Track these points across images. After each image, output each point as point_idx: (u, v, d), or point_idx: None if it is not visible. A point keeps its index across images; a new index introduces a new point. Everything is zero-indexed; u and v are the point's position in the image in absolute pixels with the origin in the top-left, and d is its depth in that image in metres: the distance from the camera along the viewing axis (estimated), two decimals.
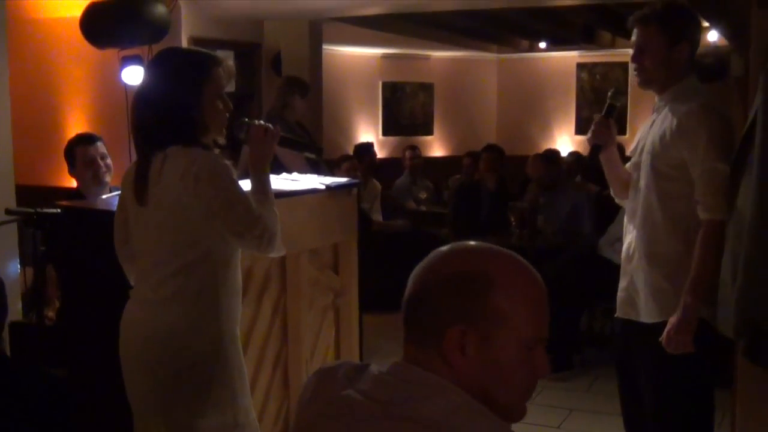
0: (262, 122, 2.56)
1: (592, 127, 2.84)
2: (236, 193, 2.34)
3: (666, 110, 2.69)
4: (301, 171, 3.78)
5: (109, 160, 3.73)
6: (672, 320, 2.60)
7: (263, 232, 2.34)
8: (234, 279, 2.46)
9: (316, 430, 1.30)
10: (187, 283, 2.36)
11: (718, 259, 2.51)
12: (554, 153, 6.83)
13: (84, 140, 3.73)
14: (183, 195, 2.31)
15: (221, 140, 2.47)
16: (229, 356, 2.41)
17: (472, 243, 1.32)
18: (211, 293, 2.38)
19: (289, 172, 3.65)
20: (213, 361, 2.38)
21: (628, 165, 2.90)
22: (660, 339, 2.62)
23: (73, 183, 3.87)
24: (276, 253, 2.47)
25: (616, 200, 3.02)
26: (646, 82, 2.72)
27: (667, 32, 2.64)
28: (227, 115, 2.46)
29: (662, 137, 2.65)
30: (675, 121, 2.62)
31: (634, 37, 2.71)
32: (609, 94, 2.89)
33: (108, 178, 3.70)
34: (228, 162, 2.39)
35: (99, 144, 3.73)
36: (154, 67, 2.50)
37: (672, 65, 2.67)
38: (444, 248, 1.32)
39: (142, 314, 2.41)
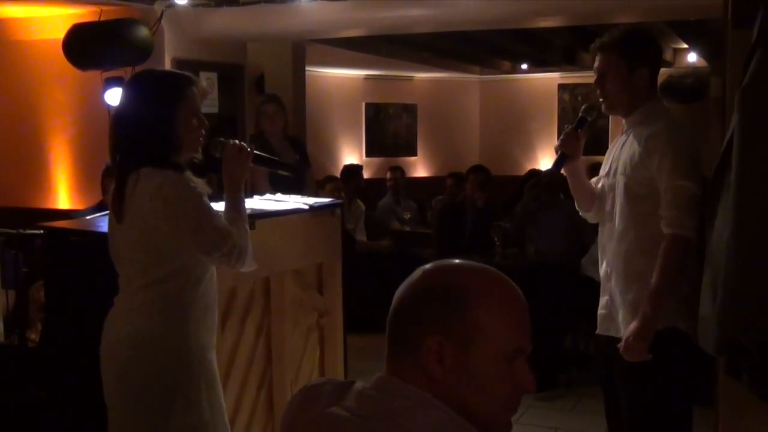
0: (236, 141, 2.64)
1: (562, 136, 2.91)
2: (204, 214, 2.42)
3: (633, 132, 2.78)
4: (264, 190, 3.87)
5: None
6: (630, 328, 2.68)
7: (232, 249, 2.44)
8: (205, 294, 2.54)
9: None
10: (155, 295, 2.46)
11: (677, 272, 2.62)
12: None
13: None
14: (152, 216, 2.40)
15: (198, 157, 2.55)
16: (194, 368, 2.49)
17: (455, 260, 1.34)
18: (179, 307, 2.47)
19: (255, 191, 3.70)
20: (177, 371, 2.46)
21: (599, 184, 2.96)
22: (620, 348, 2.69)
23: (60, 204, 3.86)
24: (247, 268, 2.54)
25: (581, 213, 3.08)
26: (610, 108, 2.84)
27: (627, 58, 2.74)
28: (203, 131, 2.54)
29: (632, 158, 2.74)
30: (642, 142, 2.71)
31: (596, 64, 2.80)
32: (582, 107, 2.95)
33: None
34: (199, 182, 2.48)
35: None
36: (130, 89, 2.58)
37: (633, 90, 2.76)
38: (427, 265, 1.34)
39: (116, 321, 2.52)
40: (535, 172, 8.23)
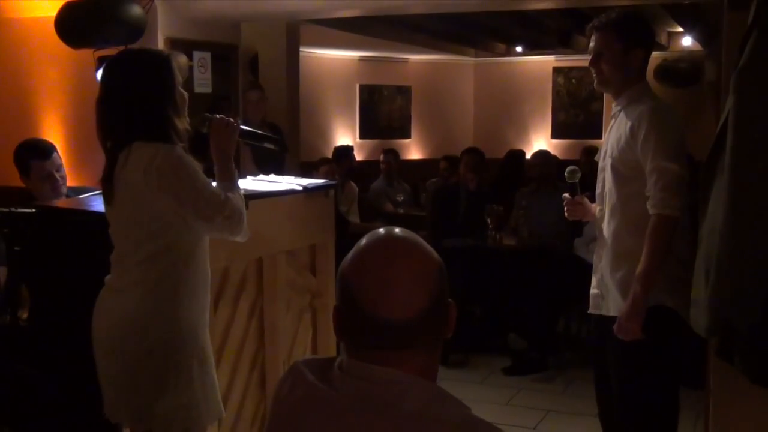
0: (222, 116, 2.68)
1: (566, 208, 3.10)
2: (201, 180, 2.46)
3: (621, 114, 2.86)
4: (250, 170, 3.95)
5: (63, 171, 3.65)
6: (622, 309, 2.76)
7: (232, 212, 2.47)
8: (197, 271, 2.55)
9: (294, 425, 1.30)
10: (148, 272, 2.47)
11: (665, 252, 2.68)
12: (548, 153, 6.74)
13: (39, 154, 3.61)
14: (146, 189, 2.41)
15: (186, 125, 2.57)
16: (186, 346, 2.50)
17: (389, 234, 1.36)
18: (170, 283, 2.48)
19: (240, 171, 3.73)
20: (170, 348, 2.47)
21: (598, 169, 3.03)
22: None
23: None
24: (243, 237, 2.57)
25: None
26: (603, 83, 2.90)
27: (623, 38, 2.82)
28: (186, 101, 2.58)
29: (618, 140, 2.82)
30: (629, 124, 2.78)
31: (591, 43, 2.89)
32: (566, 175, 3.09)
33: (64, 189, 3.64)
34: (190, 157, 2.50)
35: (54, 156, 3.64)
36: (121, 67, 2.58)
37: (627, 69, 2.83)
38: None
39: (108, 301, 2.54)
40: (515, 153, 8.22)
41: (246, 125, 5.00)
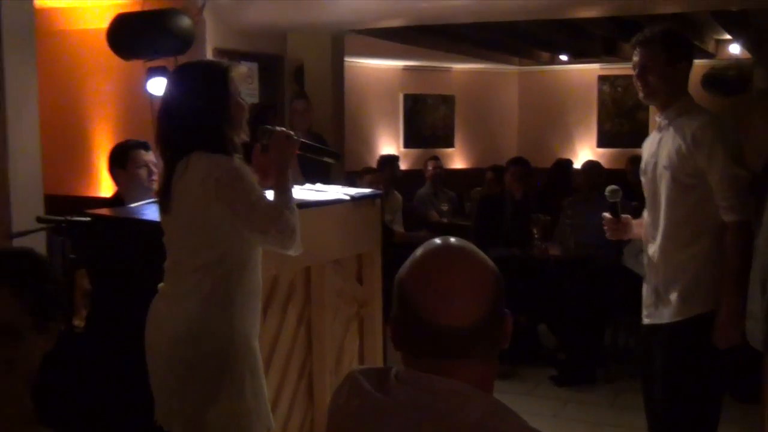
0: (283, 129, 2.69)
1: (606, 227, 3.13)
2: (257, 193, 2.48)
3: (673, 126, 2.89)
4: (297, 180, 3.97)
5: (156, 172, 3.76)
6: (719, 318, 2.76)
7: (285, 226, 2.47)
8: (250, 281, 2.56)
9: None
10: (202, 281, 2.48)
11: (749, 255, 2.70)
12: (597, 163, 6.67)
13: (141, 145, 3.79)
14: (203, 198, 2.44)
15: (245, 137, 2.60)
16: (239, 354, 2.51)
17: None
18: (224, 293, 2.49)
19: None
20: (222, 357, 2.48)
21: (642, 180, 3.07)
22: (675, 336, 2.82)
23: (102, 192, 3.89)
24: (295, 251, 2.57)
25: None
26: (649, 96, 2.94)
27: (669, 51, 2.88)
28: (246, 113, 2.61)
29: (678, 150, 2.84)
30: (689, 135, 2.82)
31: (636, 58, 2.93)
32: (606, 194, 3.10)
33: (155, 186, 3.73)
34: (246, 167, 2.52)
35: (151, 153, 3.78)
36: (176, 80, 2.64)
37: (673, 82, 2.89)
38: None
39: (161, 309, 2.56)
40: (562, 162, 8.15)
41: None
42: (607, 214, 3.11)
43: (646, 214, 3.05)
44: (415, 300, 1.30)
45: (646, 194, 3.02)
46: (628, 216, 3.14)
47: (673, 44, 2.89)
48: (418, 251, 1.36)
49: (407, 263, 1.36)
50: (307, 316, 3.30)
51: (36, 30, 4.47)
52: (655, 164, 2.94)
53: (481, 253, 1.36)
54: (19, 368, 1.62)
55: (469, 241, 1.40)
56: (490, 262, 1.35)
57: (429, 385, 1.27)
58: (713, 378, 2.86)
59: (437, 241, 1.38)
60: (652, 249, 2.97)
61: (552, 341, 5.80)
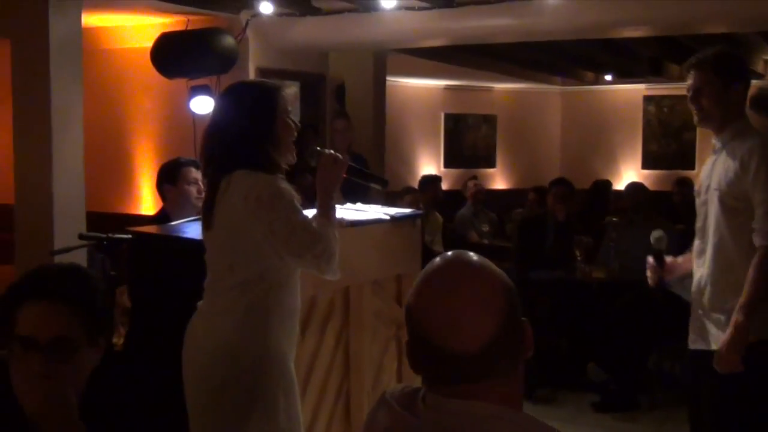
0: (332, 151, 2.67)
1: (648, 275, 3.15)
2: (297, 214, 2.46)
3: (726, 150, 2.86)
4: (337, 199, 3.93)
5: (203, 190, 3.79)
6: (723, 340, 2.73)
7: (323, 252, 2.46)
8: (288, 302, 2.55)
9: None
10: (239, 298, 2.47)
11: None
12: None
13: (192, 162, 3.81)
14: (244, 216, 2.44)
15: (292, 159, 2.59)
16: (273, 375, 2.49)
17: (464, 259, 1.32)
18: (261, 312, 2.48)
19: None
20: (257, 376, 2.46)
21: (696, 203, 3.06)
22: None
23: (143, 209, 3.91)
24: (332, 275, 2.54)
25: None
26: (704, 120, 2.91)
27: (722, 74, 2.84)
28: (295, 133, 2.60)
29: (726, 173, 2.82)
30: (738, 158, 2.79)
31: (690, 81, 2.90)
32: (652, 241, 3.13)
33: (200, 204, 3.75)
34: (289, 187, 2.51)
35: (200, 171, 3.81)
36: (227, 101, 2.64)
37: (728, 105, 2.84)
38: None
39: (199, 327, 2.56)
40: (601, 183, 8.04)
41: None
42: (650, 260, 3.10)
43: (696, 241, 3.00)
44: (424, 327, 1.27)
45: (698, 217, 2.99)
46: (673, 259, 3.12)
47: (725, 66, 2.85)
48: (423, 273, 1.32)
49: (414, 286, 1.31)
50: (345, 337, 3.26)
51: (82, 48, 4.53)
52: (708, 187, 2.92)
53: (490, 266, 1.31)
54: (73, 382, 1.66)
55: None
56: (499, 274, 1.30)
57: (454, 410, 1.24)
58: (763, 407, 2.78)
59: (437, 260, 1.33)
60: (699, 272, 2.93)
61: (597, 371, 5.65)
